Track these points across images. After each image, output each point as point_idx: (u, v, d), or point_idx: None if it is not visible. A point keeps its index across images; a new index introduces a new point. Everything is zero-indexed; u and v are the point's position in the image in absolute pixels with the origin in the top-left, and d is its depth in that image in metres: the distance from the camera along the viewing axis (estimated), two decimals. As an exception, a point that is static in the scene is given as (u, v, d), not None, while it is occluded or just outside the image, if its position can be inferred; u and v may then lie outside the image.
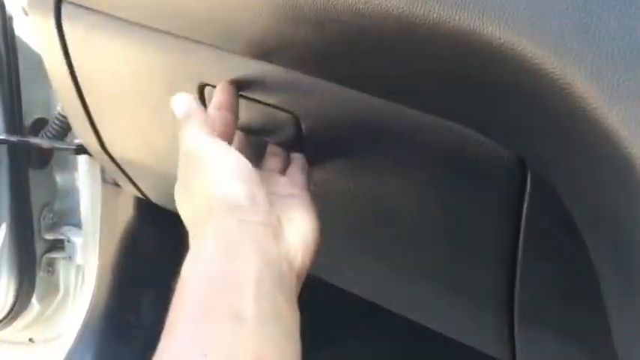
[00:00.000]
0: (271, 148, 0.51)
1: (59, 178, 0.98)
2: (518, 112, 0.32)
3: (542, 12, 0.29)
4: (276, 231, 0.38)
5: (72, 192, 0.98)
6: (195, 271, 0.35)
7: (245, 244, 0.36)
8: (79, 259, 0.99)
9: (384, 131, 0.43)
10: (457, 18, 0.31)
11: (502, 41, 0.30)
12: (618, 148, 0.26)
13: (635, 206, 0.27)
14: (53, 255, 0.99)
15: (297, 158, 0.49)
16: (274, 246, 0.37)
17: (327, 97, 0.45)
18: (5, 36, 0.84)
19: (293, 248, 0.39)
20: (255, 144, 0.51)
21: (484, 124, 0.37)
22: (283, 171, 0.48)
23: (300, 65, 0.44)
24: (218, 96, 0.48)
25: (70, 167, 0.96)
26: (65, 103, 0.70)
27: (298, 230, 0.40)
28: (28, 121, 0.90)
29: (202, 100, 0.53)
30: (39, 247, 0.97)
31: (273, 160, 0.49)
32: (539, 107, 0.30)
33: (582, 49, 0.27)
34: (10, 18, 0.84)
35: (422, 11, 0.32)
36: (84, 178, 0.90)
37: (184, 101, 0.44)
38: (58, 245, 1.00)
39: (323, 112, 0.46)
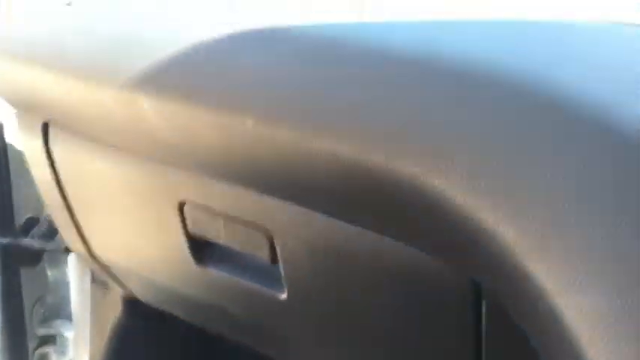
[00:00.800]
0: None
1: (50, 274, 0.99)
2: (458, 250, 0.35)
3: (477, 169, 0.32)
4: None
5: (63, 285, 0.99)
6: None
7: None
8: (70, 353, 1.00)
9: (351, 252, 0.46)
10: (399, 166, 0.34)
11: (438, 190, 0.33)
12: (542, 294, 0.29)
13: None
14: (45, 349, 1.00)
15: None
16: None
17: (298, 217, 0.48)
18: (-4, 142, 0.88)
19: None
20: None
21: (435, 253, 0.39)
22: None
23: (268, 190, 0.47)
24: None
25: (61, 262, 0.98)
26: (52, 211, 0.73)
27: None
28: (19, 220, 0.93)
29: (182, 217, 0.56)
30: (31, 343, 0.98)
31: None
32: (476, 251, 0.33)
33: (495, 193, 0.30)
34: (1, 126, 0.88)
35: (366, 158, 0.35)
36: (74, 275, 0.92)
37: None
38: (50, 339, 1.01)
39: (294, 231, 0.49)
